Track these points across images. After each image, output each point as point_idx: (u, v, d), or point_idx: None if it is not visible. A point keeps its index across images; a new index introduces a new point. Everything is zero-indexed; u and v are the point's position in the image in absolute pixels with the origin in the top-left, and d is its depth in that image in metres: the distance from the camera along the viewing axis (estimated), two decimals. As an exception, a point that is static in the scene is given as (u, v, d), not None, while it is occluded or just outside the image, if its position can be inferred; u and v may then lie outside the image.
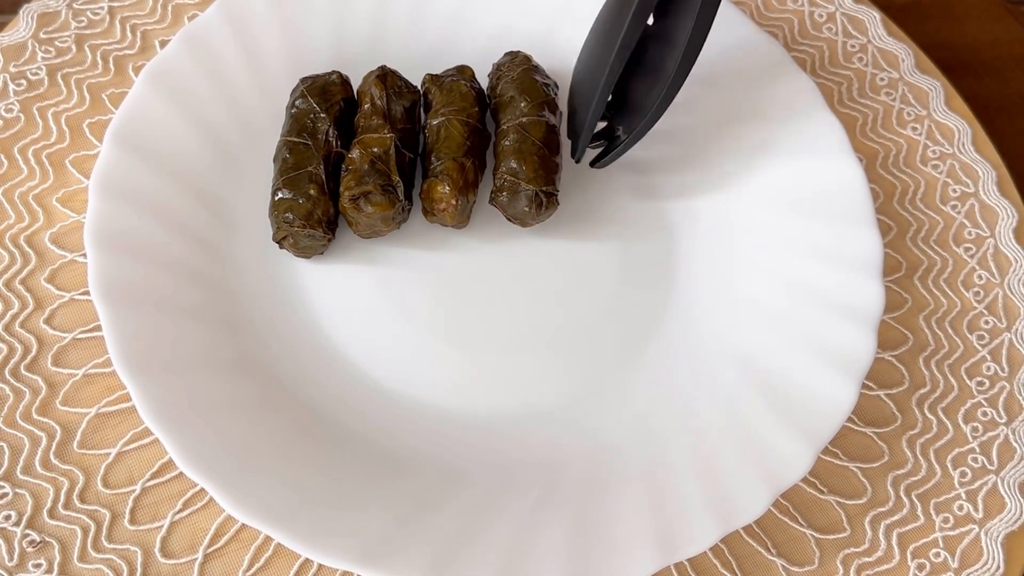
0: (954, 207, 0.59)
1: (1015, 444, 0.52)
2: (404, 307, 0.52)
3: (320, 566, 0.46)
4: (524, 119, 0.52)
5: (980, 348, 0.55)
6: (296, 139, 0.51)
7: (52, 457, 0.47)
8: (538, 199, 0.51)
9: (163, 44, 0.60)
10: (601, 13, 0.51)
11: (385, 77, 0.53)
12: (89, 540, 0.45)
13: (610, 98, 0.52)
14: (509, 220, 0.53)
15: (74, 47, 0.59)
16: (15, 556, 0.45)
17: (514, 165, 0.51)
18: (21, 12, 0.60)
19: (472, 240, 0.54)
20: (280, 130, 0.53)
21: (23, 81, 0.57)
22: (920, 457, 0.51)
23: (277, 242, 0.51)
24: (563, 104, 0.57)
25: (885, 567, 0.48)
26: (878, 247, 0.52)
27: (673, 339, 0.52)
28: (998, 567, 0.49)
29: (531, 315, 0.53)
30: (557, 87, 0.56)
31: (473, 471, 0.47)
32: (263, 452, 0.45)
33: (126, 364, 0.44)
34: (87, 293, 0.50)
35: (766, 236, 0.54)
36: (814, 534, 0.49)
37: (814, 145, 0.55)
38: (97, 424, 0.48)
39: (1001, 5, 0.72)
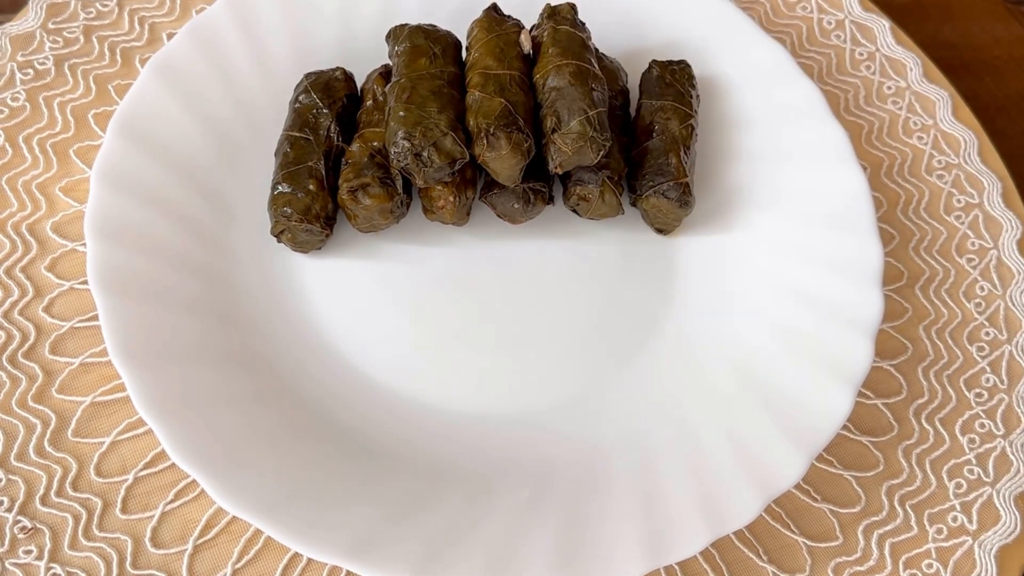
0: (958, 217, 0.59)
1: (1012, 456, 0.52)
2: (401, 303, 0.52)
3: (309, 560, 0.46)
4: None
5: (980, 360, 0.55)
6: (298, 134, 0.52)
7: (46, 444, 0.47)
8: (526, 196, 0.51)
9: (171, 37, 0.60)
10: None
11: (388, 74, 0.53)
12: (80, 528, 0.46)
13: None
14: (499, 217, 0.53)
15: (82, 38, 0.60)
16: (6, 542, 0.45)
17: None
18: (31, 1, 0.60)
19: (471, 237, 0.54)
20: (283, 124, 0.53)
21: (30, 70, 0.58)
22: (916, 467, 0.51)
23: (275, 235, 0.51)
24: None
25: (877, 577, 0.48)
26: (879, 256, 0.51)
27: (669, 342, 0.52)
28: (991, 580, 0.48)
29: (527, 314, 0.53)
30: None
31: (464, 468, 0.47)
32: (255, 445, 0.45)
33: (122, 354, 0.45)
34: (86, 282, 0.50)
35: (766, 241, 0.54)
36: (806, 542, 0.49)
37: (818, 152, 0.55)
38: (92, 413, 0.49)
39: (1001, 5, 0.72)
